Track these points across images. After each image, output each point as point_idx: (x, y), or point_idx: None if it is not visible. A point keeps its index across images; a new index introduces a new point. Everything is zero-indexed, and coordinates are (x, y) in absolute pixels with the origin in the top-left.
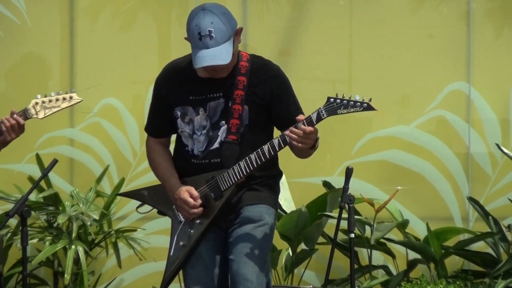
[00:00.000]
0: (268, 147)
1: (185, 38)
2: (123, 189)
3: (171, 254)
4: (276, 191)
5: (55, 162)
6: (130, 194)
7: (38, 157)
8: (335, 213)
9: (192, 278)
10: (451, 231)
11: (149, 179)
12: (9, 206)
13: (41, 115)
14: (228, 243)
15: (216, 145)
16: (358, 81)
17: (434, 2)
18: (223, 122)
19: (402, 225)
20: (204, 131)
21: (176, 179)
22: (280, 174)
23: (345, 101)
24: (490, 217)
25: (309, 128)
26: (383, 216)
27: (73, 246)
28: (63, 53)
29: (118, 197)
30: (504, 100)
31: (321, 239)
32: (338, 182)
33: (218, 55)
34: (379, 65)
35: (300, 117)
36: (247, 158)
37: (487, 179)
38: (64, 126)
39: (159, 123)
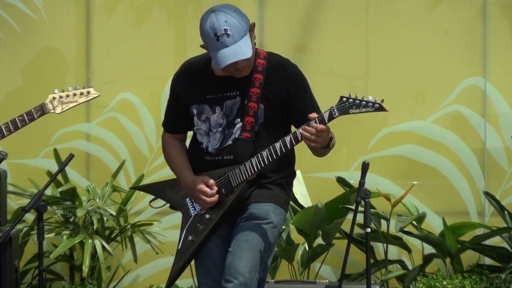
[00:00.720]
0: (280, 144)
1: (201, 46)
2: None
3: (179, 247)
4: (287, 190)
5: (71, 157)
6: (144, 188)
7: (56, 152)
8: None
9: (203, 272)
10: (467, 226)
11: (165, 174)
12: (26, 201)
13: (58, 110)
14: (231, 236)
15: (229, 142)
16: (374, 77)
17: None
18: (238, 120)
19: (420, 219)
20: (220, 129)
21: (190, 171)
22: (294, 175)
23: (357, 101)
24: (506, 211)
25: (321, 126)
26: (399, 210)
27: (90, 240)
28: (79, 48)
29: (136, 193)
30: None
31: (337, 234)
32: (354, 177)
33: (239, 51)
34: (395, 60)
35: (313, 115)
36: (259, 155)
37: (503, 174)
38: (80, 120)
39: (176, 120)
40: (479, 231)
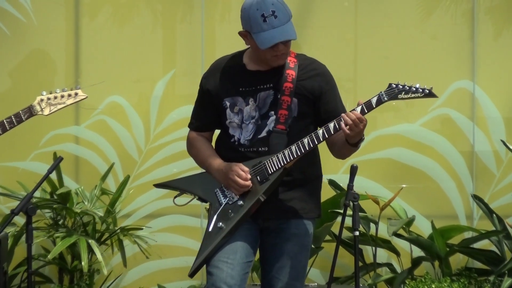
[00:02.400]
0: (323, 130)
1: (241, 33)
2: (128, 187)
3: (210, 230)
4: (319, 198)
5: (60, 159)
6: (167, 184)
7: (55, 155)
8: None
9: (219, 256)
10: (455, 229)
11: (154, 176)
12: (15, 204)
13: (46, 111)
14: (268, 250)
15: (263, 133)
16: (363, 80)
17: (439, 1)
18: (272, 112)
19: (409, 222)
20: (253, 121)
21: (220, 160)
22: (321, 176)
23: (407, 87)
24: (494, 215)
25: (360, 115)
26: (388, 214)
27: (85, 240)
28: (68, 50)
29: (123, 195)
30: (508, 98)
31: (326, 237)
32: (342, 179)
33: (286, 32)
34: (384, 63)
35: (360, 101)
36: (299, 142)
37: (491, 177)
38: (69, 123)
39: (205, 116)
40: (468, 234)
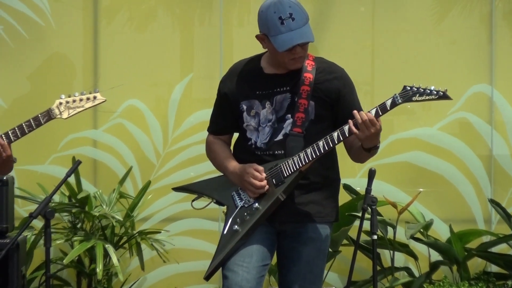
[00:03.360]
0: (338, 133)
1: (258, 36)
2: (147, 192)
3: (225, 233)
4: (337, 202)
5: (78, 163)
6: (185, 188)
7: (74, 159)
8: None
9: (235, 259)
10: (473, 233)
11: (172, 180)
12: (33, 207)
13: (65, 115)
14: (285, 254)
15: (280, 136)
16: (381, 84)
17: (456, 6)
18: (289, 115)
19: (427, 226)
20: (270, 123)
21: (236, 162)
22: (339, 180)
23: (421, 89)
24: None
25: (371, 116)
26: (405, 218)
27: (102, 244)
28: (86, 53)
29: (142, 199)
30: None
31: (343, 241)
32: (360, 183)
33: (304, 34)
34: (401, 67)
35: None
36: (314, 144)
37: (509, 181)
38: (87, 127)
39: (224, 119)
40: (486, 238)
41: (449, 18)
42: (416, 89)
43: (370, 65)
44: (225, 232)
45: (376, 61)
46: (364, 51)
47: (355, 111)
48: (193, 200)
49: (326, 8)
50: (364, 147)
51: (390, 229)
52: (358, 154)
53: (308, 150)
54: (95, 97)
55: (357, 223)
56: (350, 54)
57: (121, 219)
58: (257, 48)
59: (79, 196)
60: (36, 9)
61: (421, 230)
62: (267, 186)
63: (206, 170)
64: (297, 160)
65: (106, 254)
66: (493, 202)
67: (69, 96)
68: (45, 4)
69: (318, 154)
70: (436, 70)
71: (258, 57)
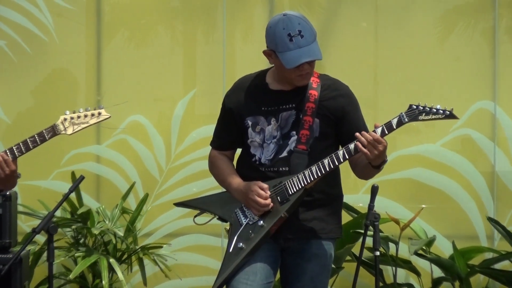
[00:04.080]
0: (343, 151)
1: (265, 51)
2: (148, 205)
3: (230, 251)
4: (340, 218)
5: (81, 178)
6: (187, 204)
7: (73, 174)
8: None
9: (240, 277)
10: (476, 250)
11: (175, 196)
12: (36, 223)
13: (69, 131)
14: (289, 271)
15: (284, 153)
16: (384, 101)
17: (460, 22)
18: (294, 132)
19: (430, 242)
20: (274, 140)
21: (240, 179)
22: (342, 196)
23: (427, 108)
24: None
25: (377, 136)
26: (408, 234)
27: (105, 259)
28: (90, 69)
29: (142, 213)
30: None
31: (346, 257)
32: (363, 200)
33: (312, 52)
34: (404, 84)
35: (378, 123)
36: (319, 162)
37: None
38: (90, 142)
39: (227, 134)
40: (488, 255)
41: (451, 34)
42: (422, 108)
43: (373, 81)
44: (230, 250)
45: (379, 78)
46: (367, 68)
47: (357, 134)
48: (195, 216)
49: (329, 23)
50: (373, 164)
51: (392, 245)
52: (367, 172)
53: (313, 168)
54: (99, 113)
55: (361, 240)
56: (353, 70)
57: (122, 235)
58: (261, 65)
59: (80, 211)
60: (39, 24)
61: (424, 247)
62: (272, 204)
63: (209, 186)
64: (302, 178)
65: (110, 269)
66: (492, 220)
67: (74, 112)
68: (48, 20)
69: (324, 172)
70: (439, 86)
71: (263, 73)
